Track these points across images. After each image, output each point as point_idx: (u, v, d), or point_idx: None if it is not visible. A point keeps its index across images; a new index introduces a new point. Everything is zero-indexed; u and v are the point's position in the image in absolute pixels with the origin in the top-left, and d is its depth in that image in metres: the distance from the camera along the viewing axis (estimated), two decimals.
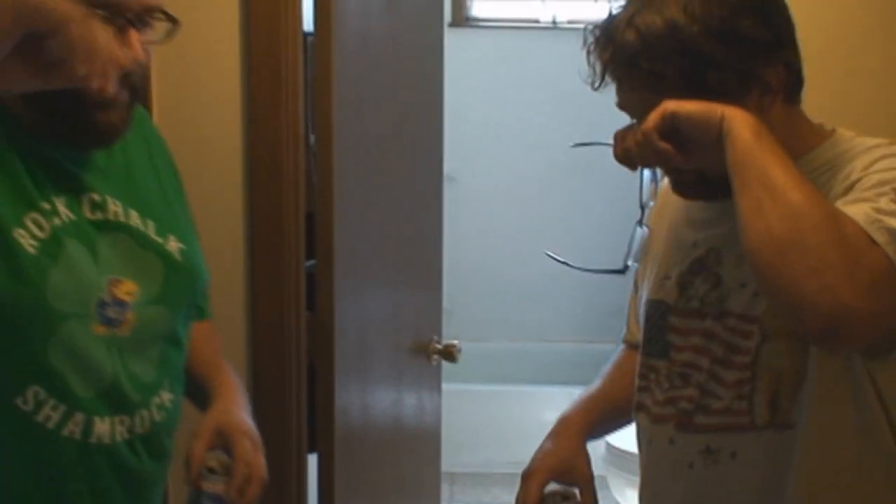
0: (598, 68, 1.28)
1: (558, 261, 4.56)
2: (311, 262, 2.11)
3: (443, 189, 2.74)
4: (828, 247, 1.06)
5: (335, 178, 2.02)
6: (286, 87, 1.99)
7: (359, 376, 2.24)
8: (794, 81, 1.29)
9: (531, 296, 4.97)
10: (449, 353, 2.58)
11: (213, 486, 1.34)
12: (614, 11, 1.27)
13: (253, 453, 1.37)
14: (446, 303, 2.84)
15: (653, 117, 1.20)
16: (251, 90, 1.98)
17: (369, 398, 2.33)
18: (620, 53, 1.24)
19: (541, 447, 1.52)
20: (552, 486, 1.47)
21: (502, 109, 4.83)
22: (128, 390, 1.30)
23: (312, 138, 2.11)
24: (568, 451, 1.50)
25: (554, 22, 4.81)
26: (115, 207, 1.32)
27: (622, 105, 1.30)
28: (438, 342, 2.60)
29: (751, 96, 1.24)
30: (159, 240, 1.36)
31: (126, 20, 1.20)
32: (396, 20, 2.36)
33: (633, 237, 4.19)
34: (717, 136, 1.17)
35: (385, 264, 2.36)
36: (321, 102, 2.04)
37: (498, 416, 4.47)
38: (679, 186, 1.34)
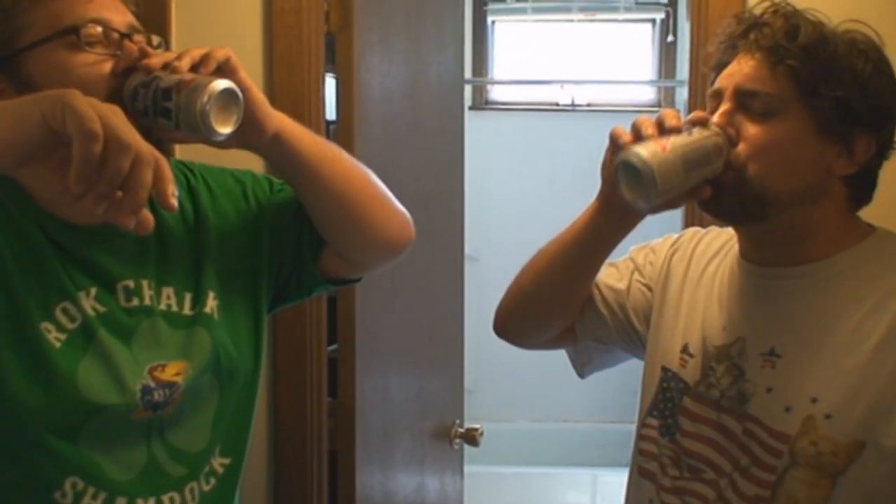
0: (728, 37, 1.28)
1: None
2: (333, 346, 2.11)
3: (464, 269, 2.75)
4: None
5: None
6: None
7: (381, 462, 2.23)
8: (870, 176, 1.26)
9: (554, 376, 4.86)
10: (471, 437, 2.56)
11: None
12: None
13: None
14: (468, 383, 2.82)
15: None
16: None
17: (391, 484, 2.30)
18: (772, 30, 1.23)
19: None
20: None
21: (522, 190, 4.84)
22: (169, 468, 1.25)
23: None
24: None
25: (573, 104, 4.86)
26: (149, 291, 1.26)
27: (723, 81, 1.27)
28: (461, 426, 2.58)
29: (830, 147, 1.22)
30: (193, 312, 1.29)
31: (120, 34, 1.18)
32: (418, 106, 2.39)
33: None
34: None
35: (407, 348, 2.35)
36: None
37: (521, 498, 4.41)
38: (714, 198, 1.25)
